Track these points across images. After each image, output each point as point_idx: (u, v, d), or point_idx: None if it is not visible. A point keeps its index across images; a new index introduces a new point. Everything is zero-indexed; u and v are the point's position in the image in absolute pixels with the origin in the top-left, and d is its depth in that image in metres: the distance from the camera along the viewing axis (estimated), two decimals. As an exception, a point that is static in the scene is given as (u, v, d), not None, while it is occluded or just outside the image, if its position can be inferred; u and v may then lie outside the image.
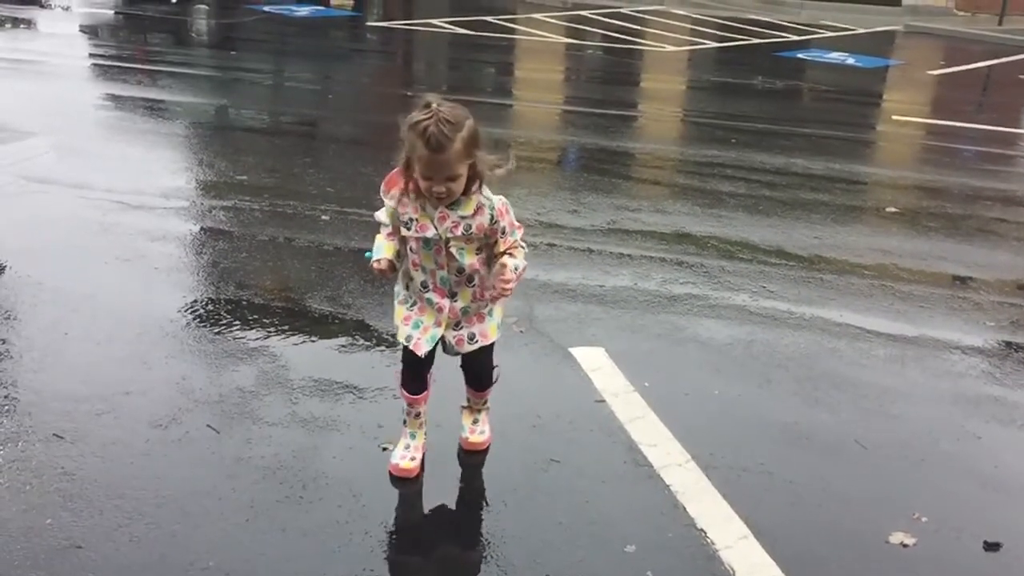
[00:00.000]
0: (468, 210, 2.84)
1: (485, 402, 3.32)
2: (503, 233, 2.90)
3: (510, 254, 2.91)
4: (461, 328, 3.03)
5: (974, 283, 5.35)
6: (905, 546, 2.99)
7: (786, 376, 4.07)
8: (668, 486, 3.22)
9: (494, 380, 3.27)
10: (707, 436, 3.54)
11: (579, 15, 16.91)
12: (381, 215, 2.98)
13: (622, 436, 3.50)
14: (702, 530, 3.00)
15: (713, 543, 2.94)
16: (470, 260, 2.91)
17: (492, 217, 2.87)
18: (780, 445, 3.54)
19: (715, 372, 4.06)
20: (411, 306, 3.03)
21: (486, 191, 2.87)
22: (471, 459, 3.29)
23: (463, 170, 2.73)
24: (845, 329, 4.57)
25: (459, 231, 2.85)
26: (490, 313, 3.08)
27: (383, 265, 2.93)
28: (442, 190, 2.75)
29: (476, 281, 2.97)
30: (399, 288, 3.08)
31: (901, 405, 3.89)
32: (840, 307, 4.83)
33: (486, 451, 3.32)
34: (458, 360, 3.18)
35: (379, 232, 3.01)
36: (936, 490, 3.33)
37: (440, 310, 2.97)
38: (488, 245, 2.94)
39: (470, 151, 2.71)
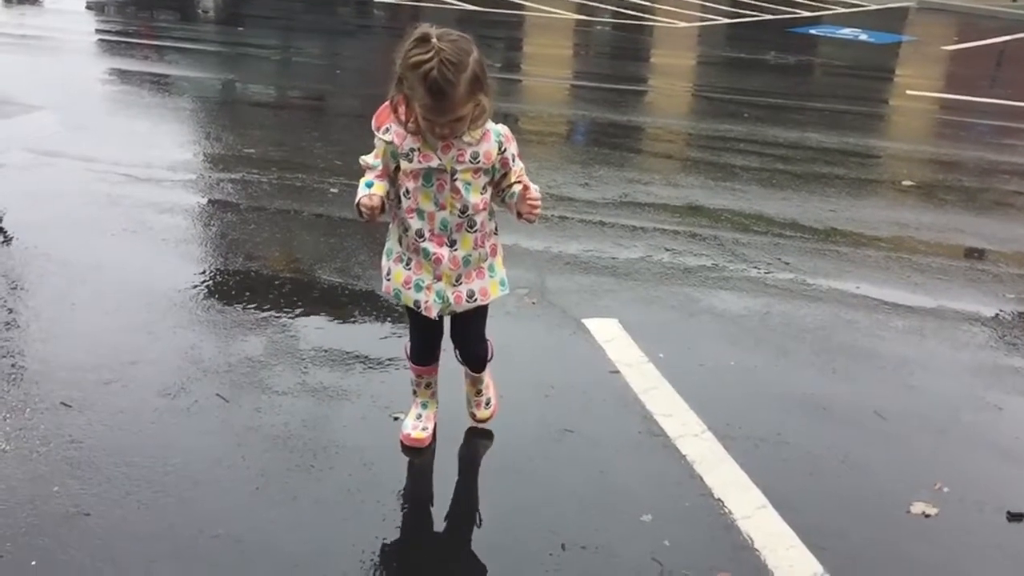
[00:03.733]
0: (474, 137, 2.62)
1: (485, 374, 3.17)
2: (513, 160, 2.71)
3: (520, 182, 2.72)
4: (460, 284, 2.79)
5: (992, 255, 5.27)
6: (927, 516, 2.94)
7: (803, 347, 4.00)
8: (684, 456, 3.16)
9: (489, 356, 3.09)
10: (723, 407, 3.48)
11: (588, -9, 16.75)
12: (368, 158, 2.72)
13: (637, 407, 3.45)
14: (719, 500, 2.95)
15: (731, 513, 2.89)
16: (475, 198, 2.68)
17: (500, 144, 2.66)
18: (798, 416, 3.48)
19: (731, 343, 4.00)
20: (407, 264, 2.79)
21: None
22: (483, 429, 3.23)
23: (468, 110, 2.51)
24: (862, 301, 4.49)
25: (466, 158, 2.62)
26: (491, 269, 2.86)
27: (375, 200, 2.62)
28: (445, 132, 2.57)
29: (478, 226, 2.74)
30: (391, 244, 2.85)
31: (920, 376, 3.82)
32: (857, 279, 4.75)
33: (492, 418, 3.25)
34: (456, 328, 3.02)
35: (364, 176, 2.73)
36: (957, 461, 3.27)
37: (438, 260, 2.73)
38: (494, 183, 2.74)
39: (475, 91, 2.48)
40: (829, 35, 13.72)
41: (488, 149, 2.66)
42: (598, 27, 13.90)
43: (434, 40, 2.43)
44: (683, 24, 13.93)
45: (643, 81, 10.46)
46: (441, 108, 2.47)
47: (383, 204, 2.68)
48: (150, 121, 6.96)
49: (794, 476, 3.12)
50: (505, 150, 2.69)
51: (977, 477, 3.18)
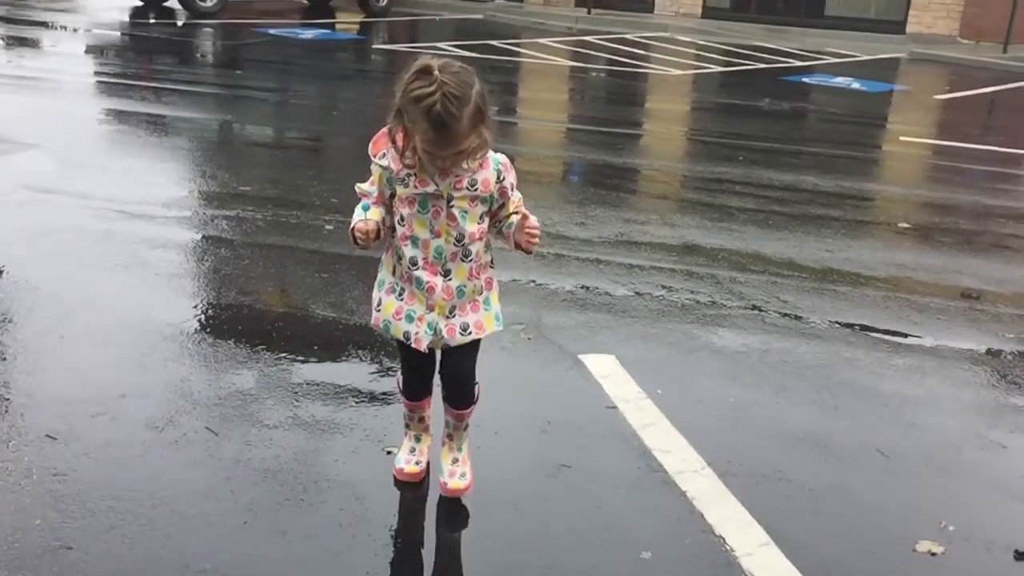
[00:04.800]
0: (472, 164, 2.57)
1: (466, 427, 2.97)
2: (511, 189, 2.67)
3: (519, 212, 2.69)
4: (454, 316, 2.70)
5: (991, 296, 5.23)
6: (933, 555, 2.86)
7: (803, 384, 3.95)
8: (684, 492, 3.09)
9: (475, 398, 2.92)
10: (723, 443, 3.42)
11: (583, 40, 16.93)
12: (364, 185, 2.69)
13: (635, 442, 3.38)
14: (721, 536, 2.87)
15: (733, 550, 2.81)
16: (471, 227, 2.63)
17: (499, 173, 2.63)
18: (799, 453, 3.42)
19: (729, 380, 3.95)
20: (400, 295, 2.72)
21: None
22: (480, 462, 3.12)
23: (469, 143, 2.48)
24: (862, 339, 4.45)
25: (463, 185, 2.58)
26: (486, 303, 2.78)
27: (370, 226, 2.59)
28: (447, 164, 2.53)
29: (473, 256, 2.67)
30: (383, 275, 2.78)
31: (922, 414, 3.77)
32: (856, 317, 4.71)
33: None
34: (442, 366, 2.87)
35: (359, 204, 2.69)
36: (963, 499, 3.21)
37: (431, 290, 2.65)
38: (491, 213, 2.69)
39: (477, 124, 2.46)
40: (822, 83, 13.85)
41: (486, 177, 2.62)
42: (593, 74, 14.02)
43: (436, 73, 2.40)
44: (677, 72, 14.05)
45: (638, 125, 10.51)
46: (444, 141, 2.45)
47: (378, 230, 2.64)
48: (146, 159, 6.95)
49: (797, 513, 3.05)
50: (504, 179, 2.66)
51: (983, 515, 3.11)
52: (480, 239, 2.68)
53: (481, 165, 2.60)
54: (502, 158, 2.67)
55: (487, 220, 2.70)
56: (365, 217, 2.64)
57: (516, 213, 2.70)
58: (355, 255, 5.04)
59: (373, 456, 3.16)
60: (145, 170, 6.65)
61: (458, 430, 2.96)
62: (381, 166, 2.63)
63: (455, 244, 2.64)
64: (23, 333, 3.92)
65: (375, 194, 2.68)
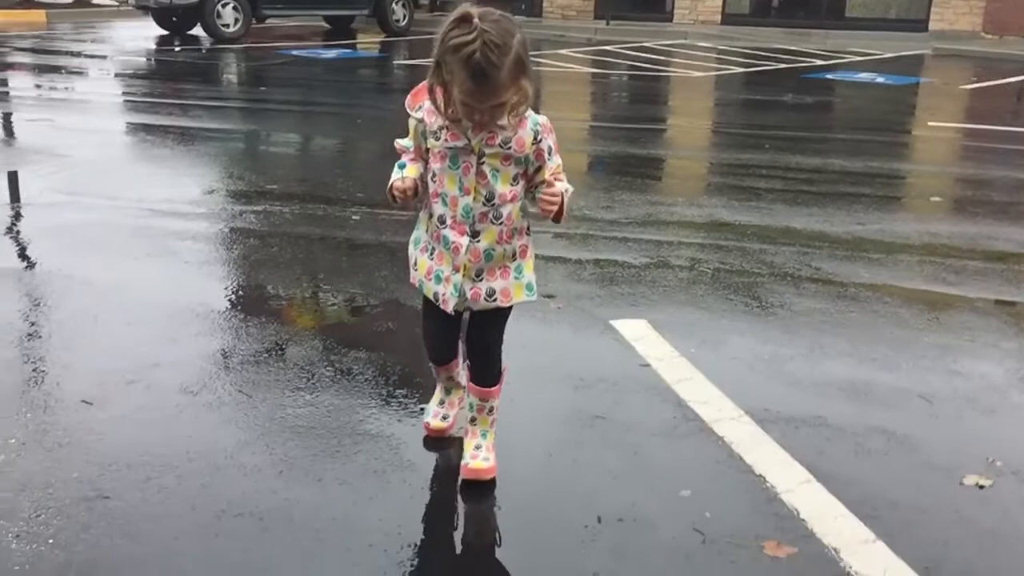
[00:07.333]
0: (512, 121, 2.45)
1: (491, 411, 2.80)
2: (549, 153, 2.53)
3: (556, 179, 2.56)
4: (481, 280, 2.59)
5: (1028, 258, 5.14)
6: (981, 487, 2.80)
7: (840, 340, 3.89)
8: (721, 437, 3.04)
9: (500, 378, 2.78)
10: (760, 394, 3.37)
11: (604, 49, 16.98)
12: (404, 140, 2.62)
13: (670, 395, 3.34)
14: (761, 475, 2.82)
15: (774, 487, 2.76)
16: (503, 188, 2.50)
17: (536, 134, 2.49)
18: (839, 401, 3.36)
19: (764, 339, 3.90)
20: (431, 254, 2.64)
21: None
22: (511, 415, 3.04)
23: (509, 96, 2.36)
24: (898, 298, 4.38)
25: (496, 142, 2.46)
26: (518, 270, 2.64)
27: (407, 183, 2.54)
28: (485, 119, 2.43)
29: (504, 218, 2.54)
30: (419, 233, 2.70)
31: (964, 363, 3.69)
32: (891, 279, 4.65)
33: (492, 480, 2.77)
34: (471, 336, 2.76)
35: (399, 159, 2.63)
36: (1010, 438, 3.14)
37: (456, 250, 2.55)
38: (526, 175, 2.57)
39: (518, 75, 2.34)
40: (846, 79, 13.77)
41: (521, 136, 2.49)
42: (614, 78, 14.04)
43: (476, 20, 2.29)
44: (699, 74, 14.04)
45: (662, 120, 10.49)
46: (483, 93, 2.33)
47: (416, 187, 2.57)
48: (174, 166, 7.02)
49: (838, 454, 2.99)
50: (541, 140, 2.52)
51: (1031, 452, 3.03)
52: (512, 201, 2.55)
53: (518, 124, 2.47)
54: (542, 119, 2.55)
55: (522, 183, 2.57)
56: (402, 175, 2.57)
57: (555, 178, 2.56)
58: (383, 240, 5.08)
59: (407, 411, 3.15)
60: (173, 174, 6.72)
61: (482, 413, 2.79)
62: (416, 119, 2.55)
63: (485, 204, 2.52)
64: (57, 314, 3.96)
65: (412, 148, 2.61)
